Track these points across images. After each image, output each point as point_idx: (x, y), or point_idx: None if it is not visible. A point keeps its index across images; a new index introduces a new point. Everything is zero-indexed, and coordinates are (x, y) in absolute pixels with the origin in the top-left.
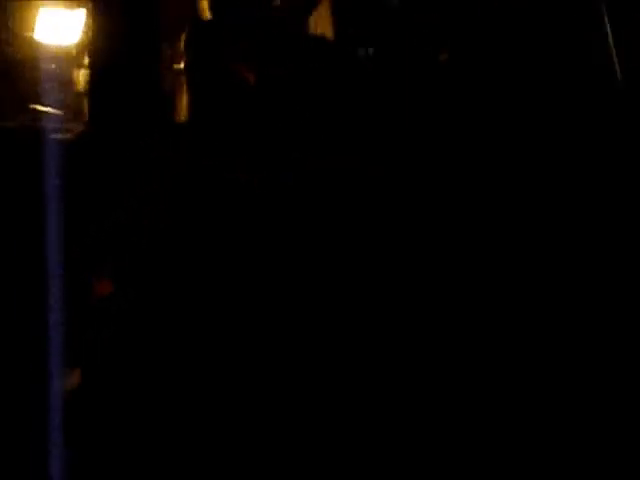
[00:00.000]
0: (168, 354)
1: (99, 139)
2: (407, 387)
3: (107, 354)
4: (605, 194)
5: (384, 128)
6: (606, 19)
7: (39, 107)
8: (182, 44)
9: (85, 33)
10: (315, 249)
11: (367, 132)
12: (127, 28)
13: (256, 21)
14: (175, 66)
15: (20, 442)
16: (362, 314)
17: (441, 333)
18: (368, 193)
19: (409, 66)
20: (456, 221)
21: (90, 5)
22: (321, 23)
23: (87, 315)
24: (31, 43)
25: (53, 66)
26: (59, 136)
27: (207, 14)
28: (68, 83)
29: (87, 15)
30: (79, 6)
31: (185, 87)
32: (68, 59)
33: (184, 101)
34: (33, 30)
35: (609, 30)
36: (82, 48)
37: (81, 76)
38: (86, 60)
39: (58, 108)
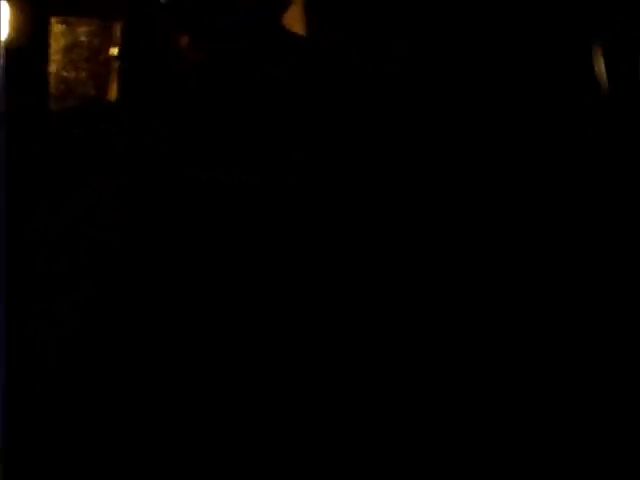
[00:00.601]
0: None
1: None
2: (407, 387)
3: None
4: (602, 197)
5: (384, 128)
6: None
7: None
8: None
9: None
10: (315, 249)
11: (367, 132)
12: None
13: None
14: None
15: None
16: (362, 314)
17: (441, 333)
18: (368, 193)
19: (408, 66)
20: (456, 221)
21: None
22: (295, 24)
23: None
24: None
25: None
26: None
27: None
28: None
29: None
30: None
31: (117, 74)
32: None
33: (114, 88)
34: None
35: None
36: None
37: None
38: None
39: None
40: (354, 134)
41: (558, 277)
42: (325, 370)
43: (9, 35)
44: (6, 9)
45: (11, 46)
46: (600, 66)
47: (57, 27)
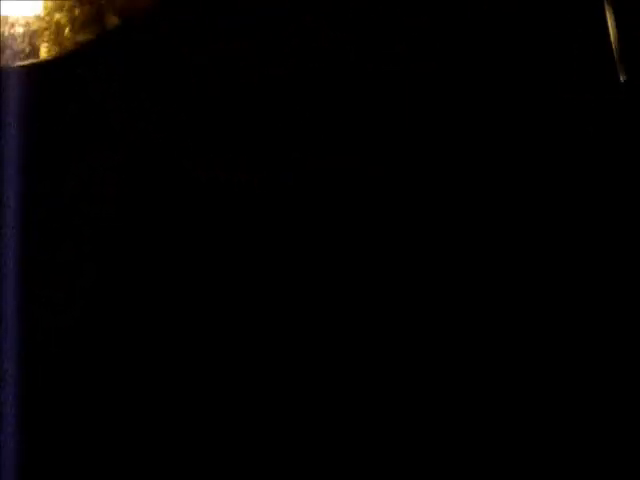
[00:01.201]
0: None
1: None
2: (407, 387)
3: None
4: (606, 194)
5: (384, 128)
6: (608, 17)
7: None
8: None
9: None
10: (315, 249)
11: (367, 132)
12: None
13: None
14: None
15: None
16: (362, 314)
17: (441, 332)
18: (368, 193)
19: (408, 66)
20: (456, 221)
21: None
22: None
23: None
24: None
25: None
26: None
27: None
28: None
29: None
30: None
31: None
32: None
33: None
34: None
35: (611, 28)
36: None
37: None
38: None
39: None
40: (354, 134)
41: (557, 276)
42: (325, 367)
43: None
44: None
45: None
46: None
47: None
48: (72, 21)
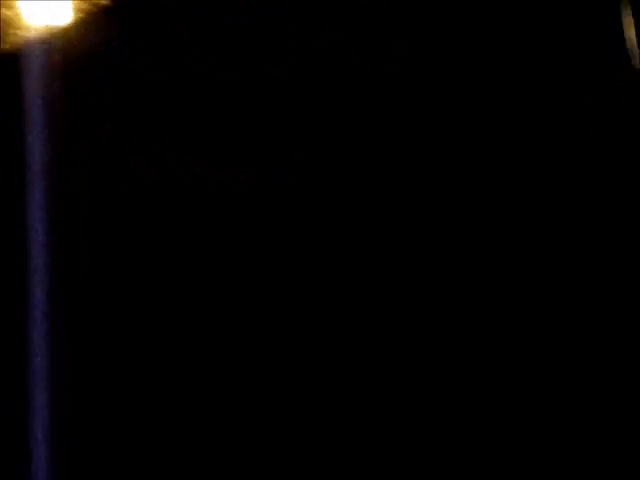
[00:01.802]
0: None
1: None
2: (406, 386)
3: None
4: (606, 194)
5: (384, 128)
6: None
7: None
8: None
9: None
10: (315, 249)
11: (367, 132)
12: None
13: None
14: None
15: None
16: (362, 313)
17: (440, 332)
18: (368, 193)
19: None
20: (456, 221)
21: None
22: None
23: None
24: None
25: None
26: None
27: None
28: None
29: None
30: None
31: None
32: None
33: None
34: None
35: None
36: None
37: None
38: None
39: None
40: (354, 134)
41: (557, 275)
42: (325, 367)
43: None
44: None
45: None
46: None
47: None
48: None
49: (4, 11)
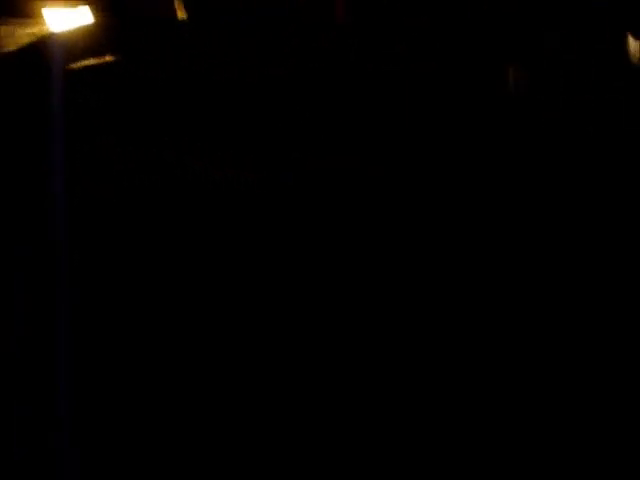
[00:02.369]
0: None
1: None
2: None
3: None
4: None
5: (384, 128)
6: None
7: None
8: None
9: None
10: (315, 249)
11: (367, 132)
12: None
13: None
14: None
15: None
16: (362, 313)
17: (440, 332)
18: (368, 193)
19: (408, 67)
20: (456, 221)
21: None
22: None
23: None
24: None
25: None
26: None
27: None
28: None
29: None
30: None
31: None
32: None
33: None
34: None
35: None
36: None
37: None
38: None
39: None
40: (354, 134)
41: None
42: (325, 366)
43: None
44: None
45: None
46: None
47: None
48: None
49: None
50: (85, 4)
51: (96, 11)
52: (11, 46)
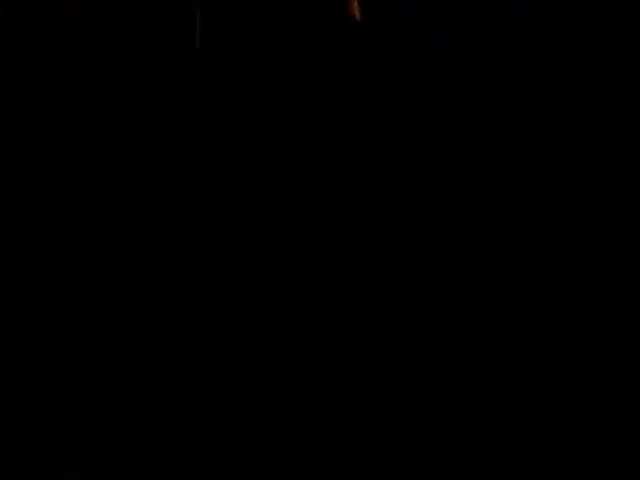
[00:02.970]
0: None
1: None
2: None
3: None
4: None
5: (384, 128)
6: None
7: None
8: None
9: None
10: (315, 248)
11: (367, 132)
12: None
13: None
14: None
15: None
16: (361, 313)
17: (440, 331)
18: (368, 193)
19: (408, 67)
20: (455, 221)
21: None
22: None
23: None
24: None
25: None
26: None
27: None
28: None
29: None
30: None
31: None
32: None
33: None
34: None
35: None
36: None
37: None
38: None
39: None
40: (354, 134)
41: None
42: (324, 366)
43: None
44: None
45: None
46: None
47: None
48: None
49: None
50: None
51: None
52: None
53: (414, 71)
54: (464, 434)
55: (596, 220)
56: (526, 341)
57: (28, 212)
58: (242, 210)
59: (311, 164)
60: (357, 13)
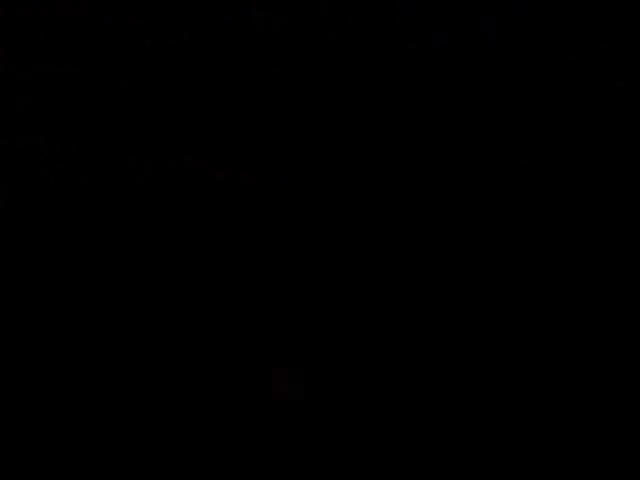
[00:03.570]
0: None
1: None
2: (406, 387)
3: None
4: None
5: (384, 128)
6: None
7: None
8: None
9: None
10: (315, 248)
11: (367, 132)
12: None
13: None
14: None
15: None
16: (361, 312)
17: (439, 331)
18: (368, 193)
19: (408, 67)
20: (455, 220)
21: None
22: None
23: None
24: None
25: None
26: None
27: None
28: None
29: None
30: None
31: None
32: None
33: None
34: None
35: None
36: None
37: None
38: None
39: None
40: (354, 134)
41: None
42: (324, 366)
43: None
44: None
45: None
46: None
47: None
48: None
49: None
50: None
51: None
52: None
53: (414, 71)
54: (464, 434)
55: (596, 220)
56: (526, 341)
57: (28, 212)
58: (242, 210)
59: (311, 164)
60: None
